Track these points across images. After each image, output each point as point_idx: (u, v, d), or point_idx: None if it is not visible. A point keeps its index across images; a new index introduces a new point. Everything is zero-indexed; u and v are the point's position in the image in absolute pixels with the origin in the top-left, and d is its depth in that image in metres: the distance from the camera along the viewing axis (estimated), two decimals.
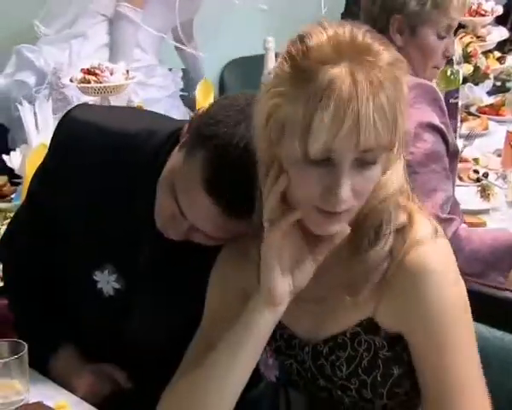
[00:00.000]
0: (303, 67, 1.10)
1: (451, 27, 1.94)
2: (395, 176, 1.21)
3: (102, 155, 1.54)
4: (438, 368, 1.22)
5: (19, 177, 2.45)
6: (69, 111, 1.65)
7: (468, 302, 1.26)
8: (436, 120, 1.84)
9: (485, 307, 1.52)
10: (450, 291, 1.23)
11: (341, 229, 1.19)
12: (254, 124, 1.19)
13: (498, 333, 1.52)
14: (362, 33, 1.12)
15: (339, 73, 1.07)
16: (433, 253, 1.23)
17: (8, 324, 1.68)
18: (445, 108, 1.91)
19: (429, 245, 1.24)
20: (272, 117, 1.13)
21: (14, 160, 2.43)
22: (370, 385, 1.27)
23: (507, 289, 1.79)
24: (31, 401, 1.44)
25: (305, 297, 1.26)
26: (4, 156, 2.48)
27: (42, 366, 1.58)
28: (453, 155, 1.91)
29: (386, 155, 1.15)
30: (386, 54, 1.12)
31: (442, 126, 1.86)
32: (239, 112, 1.30)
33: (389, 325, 1.24)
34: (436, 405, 1.23)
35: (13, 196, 2.43)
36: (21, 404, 1.41)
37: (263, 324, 1.24)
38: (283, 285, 1.22)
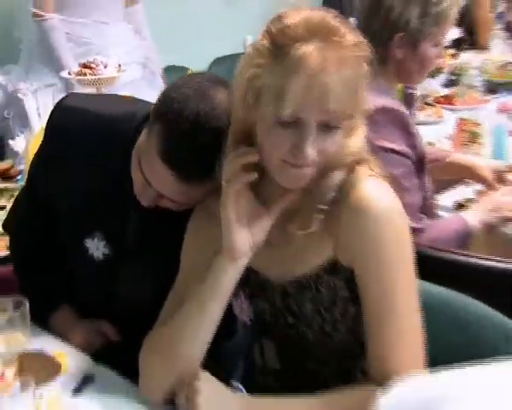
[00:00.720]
0: (280, 43, 1.15)
1: (445, 37, 1.93)
2: (355, 143, 1.24)
3: (92, 138, 1.53)
4: (378, 295, 1.24)
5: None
6: (61, 100, 1.64)
7: (409, 239, 1.27)
8: (401, 145, 1.83)
9: (434, 269, 1.56)
10: (393, 227, 1.24)
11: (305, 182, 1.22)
12: (233, 92, 1.23)
13: (444, 290, 1.52)
14: (331, 17, 1.17)
15: (309, 49, 1.12)
16: (376, 192, 1.25)
17: (14, 286, 1.69)
18: (414, 129, 1.89)
19: (371, 186, 1.26)
20: (251, 84, 1.17)
21: (18, 144, 2.44)
22: (331, 321, 1.30)
23: (451, 252, 1.81)
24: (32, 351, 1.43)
25: (274, 243, 1.29)
26: (10, 141, 2.50)
27: (42, 323, 1.58)
28: (420, 161, 1.90)
29: (348, 124, 1.19)
30: (351, 36, 1.16)
31: (407, 149, 1.85)
32: (190, 89, 1.32)
33: (345, 259, 1.27)
34: (374, 327, 1.25)
35: (18, 177, 2.42)
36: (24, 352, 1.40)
37: (226, 278, 1.27)
38: (242, 240, 1.24)
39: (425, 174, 1.95)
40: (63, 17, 2.88)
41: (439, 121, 3.10)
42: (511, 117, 3.08)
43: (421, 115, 3.05)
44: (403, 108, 1.89)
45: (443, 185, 2.24)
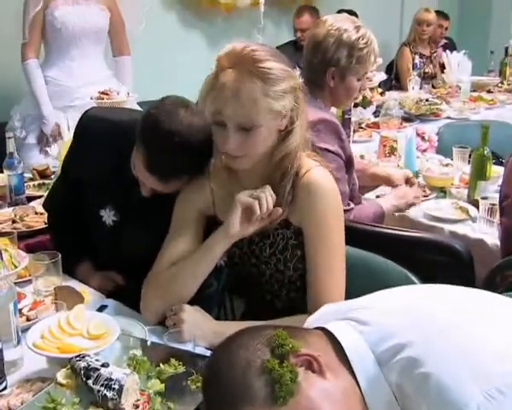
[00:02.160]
0: (215, 70, 1.31)
1: (366, 73, 1.98)
2: (294, 139, 1.32)
3: (107, 137, 1.59)
4: (317, 252, 1.34)
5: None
6: (86, 111, 1.72)
7: (342, 213, 1.36)
8: (334, 146, 1.87)
9: (357, 237, 1.61)
10: (331, 203, 1.34)
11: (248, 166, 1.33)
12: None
13: (362, 252, 1.60)
14: (247, 48, 1.27)
15: (226, 76, 1.26)
16: (321, 177, 1.35)
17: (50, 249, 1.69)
18: (344, 136, 1.92)
19: (318, 172, 1.35)
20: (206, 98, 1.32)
21: (53, 150, 2.51)
22: (283, 261, 1.40)
23: (368, 225, 1.90)
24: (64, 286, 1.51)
25: None
26: (47, 148, 2.54)
27: (70, 273, 1.65)
28: (348, 160, 1.95)
29: (266, 127, 1.27)
30: (258, 63, 1.25)
31: (339, 150, 1.89)
32: (161, 114, 1.36)
33: (296, 222, 1.37)
34: (312, 276, 1.36)
35: (52, 176, 2.47)
36: (58, 287, 1.49)
37: (218, 248, 1.35)
38: (238, 230, 1.33)
39: (352, 171, 2.01)
40: (41, 61, 2.83)
41: (369, 140, 3.20)
42: (424, 139, 3.25)
43: (356, 136, 3.18)
44: (337, 121, 1.97)
45: (367, 189, 2.33)
